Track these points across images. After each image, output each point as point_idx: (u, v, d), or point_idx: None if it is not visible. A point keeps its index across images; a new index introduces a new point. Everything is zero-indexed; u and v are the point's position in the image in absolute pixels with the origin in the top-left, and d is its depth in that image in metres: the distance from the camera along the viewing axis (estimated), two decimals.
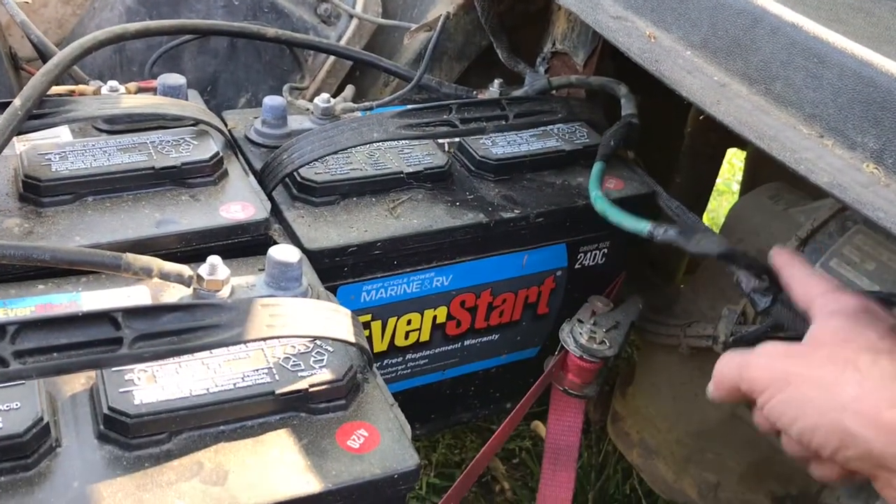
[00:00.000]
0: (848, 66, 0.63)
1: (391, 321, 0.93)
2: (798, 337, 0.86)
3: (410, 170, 0.93)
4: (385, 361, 0.96)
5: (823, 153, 0.64)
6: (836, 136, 0.64)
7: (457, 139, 1.00)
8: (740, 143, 1.46)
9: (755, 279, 0.77)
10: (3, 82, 1.08)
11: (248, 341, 0.59)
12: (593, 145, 1.01)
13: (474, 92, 1.14)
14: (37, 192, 0.78)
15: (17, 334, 0.54)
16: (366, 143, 0.88)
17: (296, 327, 0.61)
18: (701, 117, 1.06)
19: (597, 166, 0.91)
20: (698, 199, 1.47)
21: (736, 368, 0.63)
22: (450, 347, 1.00)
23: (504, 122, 0.95)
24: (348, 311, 0.67)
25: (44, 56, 1.02)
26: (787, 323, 0.81)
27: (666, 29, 0.79)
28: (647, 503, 1.39)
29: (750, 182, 1.42)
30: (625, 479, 1.43)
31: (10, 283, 0.72)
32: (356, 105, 1.04)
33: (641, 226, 0.80)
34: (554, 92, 1.10)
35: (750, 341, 0.93)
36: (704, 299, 1.05)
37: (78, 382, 0.64)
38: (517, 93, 1.09)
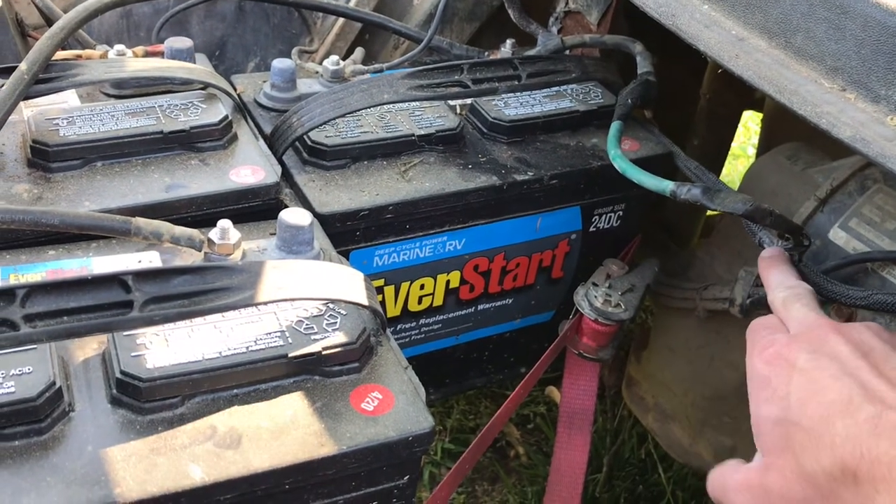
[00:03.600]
0: (872, 17, 0.62)
1: (404, 286, 0.93)
2: (820, 301, 0.84)
3: (422, 132, 0.91)
4: (398, 326, 0.96)
5: (846, 107, 0.62)
6: (858, 89, 0.63)
7: (469, 101, 0.98)
8: (757, 104, 1.43)
9: (778, 239, 0.76)
10: (10, 49, 1.07)
11: (260, 303, 0.58)
12: (608, 105, 0.99)
13: (486, 53, 1.12)
14: (45, 157, 0.77)
15: (27, 298, 0.53)
16: (376, 105, 0.87)
17: (307, 289, 0.61)
18: (719, 71, 1.04)
19: (614, 125, 0.90)
20: (714, 162, 1.44)
21: (719, 491, 0.62)
22: (463, 312, 1.00)
23: (517, 83, 0.93)
24: (360, 274, 0.66)
25: (50, 21, 1.01)
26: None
27: None
28: (662, 467, 1.38)
29: (766, 144, 1.39)
30: (640, 443, 1.43)
31: (22, 249, 0.71)
32: (366, 67, 1.03)
33: (664, 185, 0.78)
34: (567, 52, 1.08)
35: (767, 304, 0.92)
36: (720, 262, 1.04)
37: (90, 347, 0.64)
38: (530, 53, 1.07)
